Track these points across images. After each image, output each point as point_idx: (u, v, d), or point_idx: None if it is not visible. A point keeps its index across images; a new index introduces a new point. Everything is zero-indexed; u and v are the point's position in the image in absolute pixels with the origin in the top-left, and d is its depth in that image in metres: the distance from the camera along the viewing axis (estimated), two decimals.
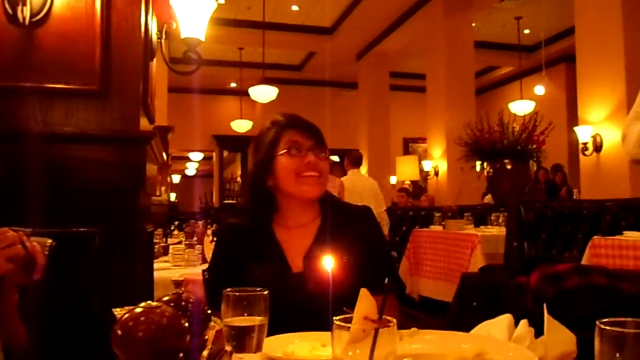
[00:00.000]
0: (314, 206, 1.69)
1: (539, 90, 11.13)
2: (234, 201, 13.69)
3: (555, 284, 1.61)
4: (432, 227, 6.12)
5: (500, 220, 5.38)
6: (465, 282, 1.84)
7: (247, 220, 1.69)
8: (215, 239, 4.30)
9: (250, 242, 1.64)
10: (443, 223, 5.73)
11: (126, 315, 0.65)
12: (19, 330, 1.31)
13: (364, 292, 0.79)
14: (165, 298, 0.69)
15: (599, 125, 6.76)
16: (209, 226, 4.97)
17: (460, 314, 1.88)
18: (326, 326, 0.75)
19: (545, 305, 1.11)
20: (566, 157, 10.49)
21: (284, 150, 1.60)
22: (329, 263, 0.93)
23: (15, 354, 1.27)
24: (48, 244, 1.27)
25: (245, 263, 1.60)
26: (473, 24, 9.46)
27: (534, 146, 5.54)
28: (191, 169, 18.21)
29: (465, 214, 5.98)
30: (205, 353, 0.68)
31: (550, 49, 11.04)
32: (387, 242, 2.24)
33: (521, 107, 9.36)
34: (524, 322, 1.15)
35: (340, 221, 1.65)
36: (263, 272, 1.56)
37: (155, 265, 2.79)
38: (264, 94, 9.51)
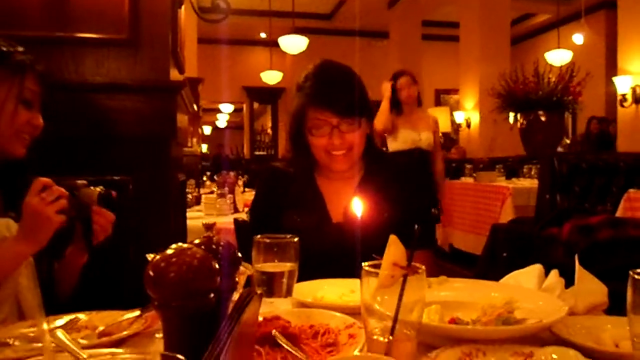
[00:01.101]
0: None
1: (577, 39, 10.71)
2: (265, 152, 13.76)
3: (588, 235, 1.60)
4: (463, 178, 6.07)
5: (532, 173, 5.30)
6: (496, 233, 1.82)
7: (290, 166, 1.68)
8: (246, 189, 4.36)
9: (292, 188, 1.63)
10: (474, 175, 5.68)
11: (158, 257, 0.66)
12: (69, 286, 1.36)
13: (393, 239, 0.78)
14: (197, 241, 0.69)
15: (639, 75, 6.53)
16: (240, 177, 5.01)
17: (490, 264, 1.88)
18: (358, 274, 0.75)
19: (576, 256, 1.10)
20: (603, 108, 10.18)
21: (309, 128, 1.56)
22: (358, 208, 0.93)
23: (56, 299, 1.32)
24: (97, 192, 1.29)
25: (285, 209, 1.59)
26: None
27: (570, 97, 5.38)
28: (222, 121, 18.25)
29: (497, 166, 5.91)
30: (235, 295, 0.69)
31: None
32: (430, 200, 2.21)
33: (558, 57, 9.02)
34: (554, 272, 1.14)
35: (384, 175, 1.63)
36: (302, 219, 1.56)
37: (188, 214, 2.84)
38: (294, 44, 9.37)
